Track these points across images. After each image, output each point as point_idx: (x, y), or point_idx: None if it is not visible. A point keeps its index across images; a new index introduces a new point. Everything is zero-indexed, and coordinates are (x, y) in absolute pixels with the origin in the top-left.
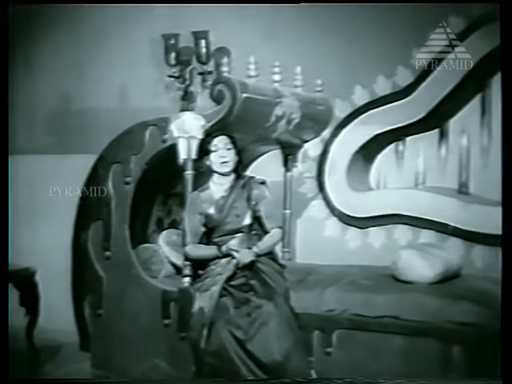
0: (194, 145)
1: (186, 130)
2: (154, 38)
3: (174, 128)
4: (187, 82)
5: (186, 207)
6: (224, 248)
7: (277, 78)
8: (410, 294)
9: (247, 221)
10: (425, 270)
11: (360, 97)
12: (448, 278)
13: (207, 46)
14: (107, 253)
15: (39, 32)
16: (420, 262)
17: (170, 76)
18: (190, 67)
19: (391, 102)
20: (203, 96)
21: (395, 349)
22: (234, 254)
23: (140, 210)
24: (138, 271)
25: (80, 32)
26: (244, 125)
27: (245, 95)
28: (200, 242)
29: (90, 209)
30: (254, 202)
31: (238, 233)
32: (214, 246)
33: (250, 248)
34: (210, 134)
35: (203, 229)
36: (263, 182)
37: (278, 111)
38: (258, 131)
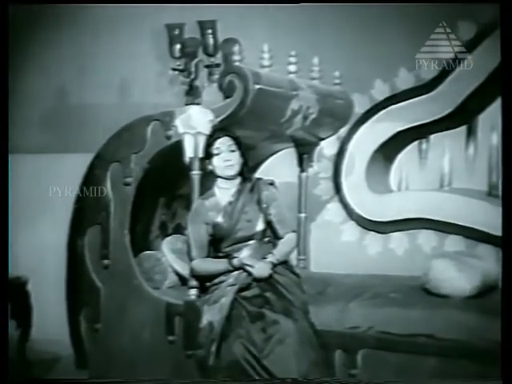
0: (202, 142)
1: (193, 125)
2: (156, 29)
3: (179, 123)
4: (193, 76)
5: (190, 217)
6: (236, 262)
7: (292, 68)
8: (445, 309)
9: (260, 225)
10: (461, 283)
11: (380, 91)
12: (486, 292)
13: (215, 37)
14: (105, 261)
15: (39, 30)
16: (455, 273)
17: (174, 69)
18: (196, 60)
19: (414, 97)
20: (210, 90)
21: (428, 371)
22: (249, 269)
23: (141, 214)
24: (139, 282)
25: (79, 25)
26: (256, 120)
27: (258, 86)
28: (208, 254)
29: (86, 212)
30: (265, 205)
31: (250, 240)
32: (225, 260)
33: (265, 258)
34: (211, 136)
35: (209, 238)
36: (272, 183)
37: (293, 105)
38: (272, 127)
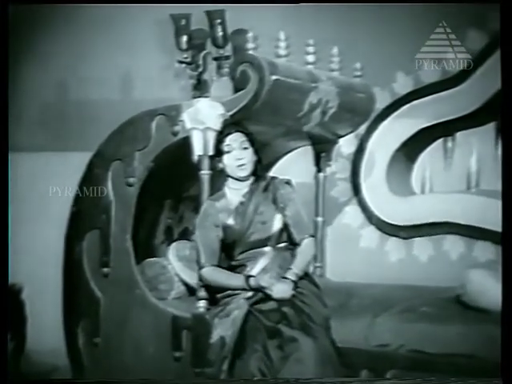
0: (211, 138)
1: (201, 119)
2: (161, 19)
3: (186, 118)
4: (200, 69)
5: (199, 220)
6: (253, 282)
7: (310, 59)
8: (484, 324)
9: (276, 227)
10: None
11: (402, 85)
12: None
13: (224, 27)
14: (105, 269)
15: (39, 30)
16: (495, 285)
17: (181, 62)
18: (204, 52)
19: (439, 92)
20: (219, 84)
21: None
22: (269, 292)
23: (145, 217)
24: (142, 292)
25: (80, 22)
26: (271, 114)
27: (274, 77)
28: (219, 262)
29: (84, 216)
30: (281, 205)
31: (265, 244)
32: (241, 276)
33: (285, 278)
34: (222, 132)
35: (220, 243)
36: (288, 182)
37: (312, 98)
38: (288, 122)
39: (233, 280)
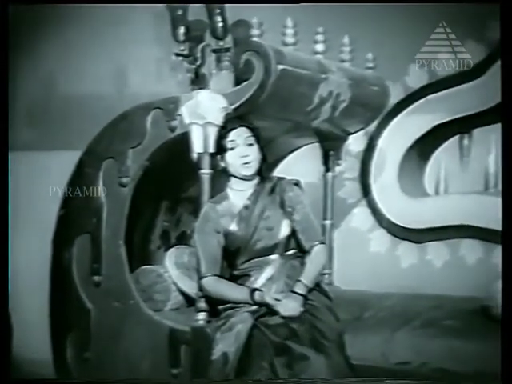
0: (212, 134)
1: (202, 113)
2: (157, 10)
3: (185, 112)
4: (198, 62)
5: (198, 225)
6: (258, 297)
7: (319, 48)
8: None
9: (283, 233)
10: None
11: (416, 78)
12: None
13: (224, 18)
14: (96, 277)
15: (39, 28)
16: None
17: (178, 54)
18: (203, 44)
19: (456, 85)
20: (219, 78)
21: None
22: (275, 308)
23: (140, 221)
24: (136, 302)
25: (80, 19)
26: (278, 108)
27: (281, 67)
28: (221, 271)
29: (73, 219)
30: (289, 209)
31: (271, 252)
32: (245, 289)
33: (293, 292)
34: (224, 127)
35: (222, 250)
36: (297, 183)
37: (322, 90)
38: (295, 117)
39: (236, 293)
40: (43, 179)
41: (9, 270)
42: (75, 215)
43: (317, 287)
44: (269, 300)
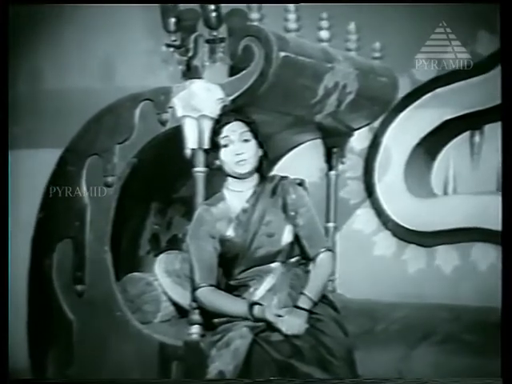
0: (207, 128)
1: (196, 105)
2: None
3: (177, 103)
4: (191, 53)
5: (192, 229)
6: (257, 311)
7: (324, 35)
8: None
9: (286, 239)
10: None
11: (424, 70)
12: None
13: (217, 6)
14: (79, 286)
15: (39, 28)
16: None
17: (169, 45)
18: (195, 34)
19: (467, 78)
20: (212, 71)
21: None
22: (277, 326)
23: (127, 224)
24: (123, 314)
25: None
26: (280, 100)
27: (283, 54)
28: (218, 280)
29: (54, 223)
30: (292, 213)
31: (272, 261)
32: (244, 302)
33: (297, 307)
34: (218, 121)
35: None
36: (301, 183)
37: (328, 81)
38: (297, 111)
39: (234, 306)
40: (27, 179)
41: (9, 269)
42: (56, 218)
43: (324, 299)
44: (269, 317)
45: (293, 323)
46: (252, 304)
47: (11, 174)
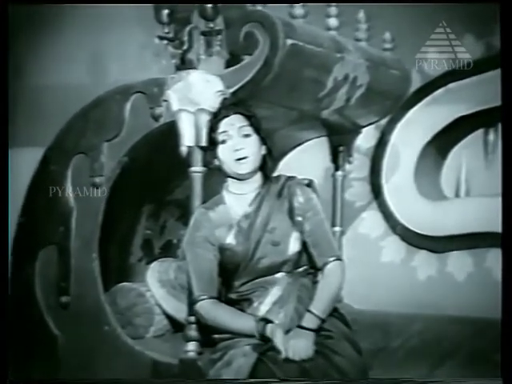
0: (206, 124)
1: (193, 98)
2: None
3: (172, 96)
4: (185, 46)
5: (188, 236)
6: (270, 330)
7: (333, 23)
8: None
9: (293, 248)
10: None
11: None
12: None
13: None
14: (64, 298)
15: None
16: None
17: (162, 38)
18: (190, 26)
19: (481, 73)
20: (208, 65)
21: None
22: (281, 349)
23: (117, 229)
24: (113, 328)
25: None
26: (285, 93)
27: (290, 41)
28: (219, 294)
29: (36, 228)
30: (299, 218)
31: (278, 271)
32: (250, 317)
33: (301, 327)
34: (216, 115)
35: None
36: (309, 185)
37: (337, 73)
38: (303, 105)
39: (240, 322)
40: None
41: (9, 269)
42: (39, 223)
43: (334, 313)
44: (278, 340)
45: (298, 347)
46: (261, 320)
47: (11, 173)
